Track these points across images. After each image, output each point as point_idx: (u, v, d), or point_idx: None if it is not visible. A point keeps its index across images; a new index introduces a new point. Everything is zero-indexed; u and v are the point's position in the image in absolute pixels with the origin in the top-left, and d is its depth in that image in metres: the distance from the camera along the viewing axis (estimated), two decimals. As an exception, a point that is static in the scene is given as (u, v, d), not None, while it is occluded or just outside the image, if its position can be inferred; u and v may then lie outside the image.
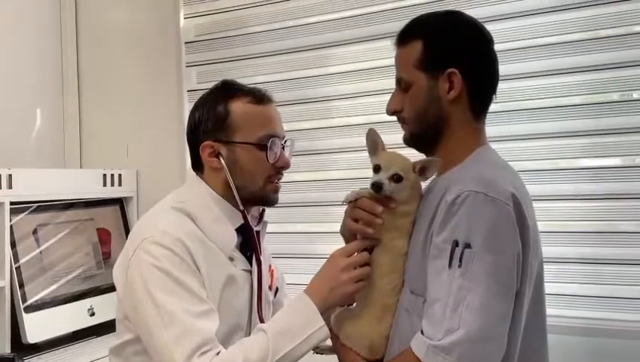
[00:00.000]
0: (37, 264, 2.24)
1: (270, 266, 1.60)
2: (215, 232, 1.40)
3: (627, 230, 1.92)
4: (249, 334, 1.41)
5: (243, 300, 1.44)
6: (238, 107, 1.41)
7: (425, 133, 1.32)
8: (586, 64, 1.96)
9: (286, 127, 1.50)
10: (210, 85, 1.51)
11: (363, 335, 1.33)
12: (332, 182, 2.36)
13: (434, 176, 1.37)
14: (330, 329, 1.35)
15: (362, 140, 1.38)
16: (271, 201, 1.46)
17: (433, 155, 1.33)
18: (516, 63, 2.03)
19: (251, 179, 1.42)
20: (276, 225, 2.05)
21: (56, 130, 2.77)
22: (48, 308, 2.22)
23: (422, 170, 1.30)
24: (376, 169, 1.31)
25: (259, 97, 1.43)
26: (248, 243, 1.47)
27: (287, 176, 1.51)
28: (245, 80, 1.51)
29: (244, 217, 1.44)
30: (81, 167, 2.79)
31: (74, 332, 2.31)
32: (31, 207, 2.27)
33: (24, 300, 2.14)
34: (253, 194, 1.43)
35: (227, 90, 1.45)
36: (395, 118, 1.37)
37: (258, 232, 1.49)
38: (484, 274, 1.14)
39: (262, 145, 1.40)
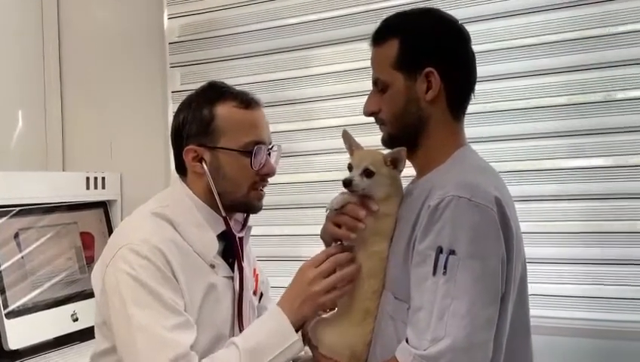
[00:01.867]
0: (18, 269, 2.19)
1: (255, 270, 1.58)
2: (196, 238, 1.37)
3: (612, 230, 1.92)
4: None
5: (225, 308, 1.42)
6: (224, 111, 1.37)
7: (403, 134, 1.31)
8: (570, 64, 1.96)
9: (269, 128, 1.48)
10: (195, 86, 1.48)
11: (343, 343, 1.31)
12: (315, 184, 2.34)
13: (414, 177, 1.36)
14: (309, 340, 1.33)
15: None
16: (254, 208, 1.44)
17: (412, 156, 1.31)
18: (499, 64, 2.02)
19: (235, 186, 1.39)
20: (259, 228, 2.02)
21: (38, 132, 2.73)
22: (30, 313, 2.18)
23: (393, 162, 1.29)
24: (350, 168, 1.31)
25: (246, 102, 1.39)
26: (231, 250, 1.44)
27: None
28: (229, 81, 1.49)
29: (227, 223, 1.41)
30: (63, 170, 2.75)
31: (57, 338, 2.26)
32: (12, 210, 2.23)
33: (5, 306, 2.10)
34: (236, 200, 1.41)
35: (213, 93, 1.41)
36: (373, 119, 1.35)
37: (241, 238, 1.46)
38: (470, 280, 1.13)
39: (247, 152, 1.36)
